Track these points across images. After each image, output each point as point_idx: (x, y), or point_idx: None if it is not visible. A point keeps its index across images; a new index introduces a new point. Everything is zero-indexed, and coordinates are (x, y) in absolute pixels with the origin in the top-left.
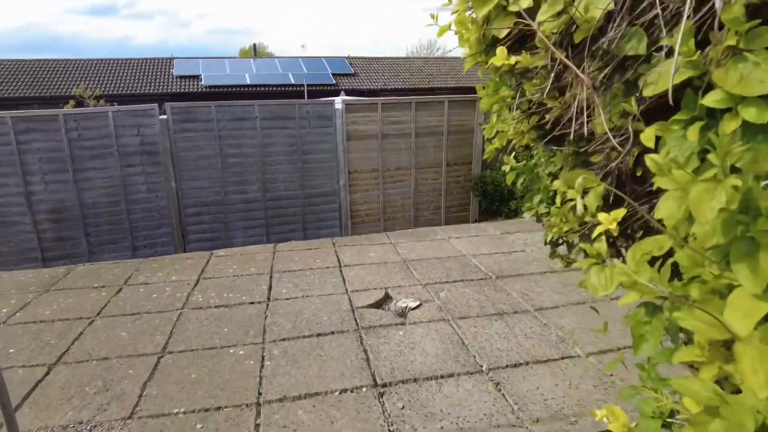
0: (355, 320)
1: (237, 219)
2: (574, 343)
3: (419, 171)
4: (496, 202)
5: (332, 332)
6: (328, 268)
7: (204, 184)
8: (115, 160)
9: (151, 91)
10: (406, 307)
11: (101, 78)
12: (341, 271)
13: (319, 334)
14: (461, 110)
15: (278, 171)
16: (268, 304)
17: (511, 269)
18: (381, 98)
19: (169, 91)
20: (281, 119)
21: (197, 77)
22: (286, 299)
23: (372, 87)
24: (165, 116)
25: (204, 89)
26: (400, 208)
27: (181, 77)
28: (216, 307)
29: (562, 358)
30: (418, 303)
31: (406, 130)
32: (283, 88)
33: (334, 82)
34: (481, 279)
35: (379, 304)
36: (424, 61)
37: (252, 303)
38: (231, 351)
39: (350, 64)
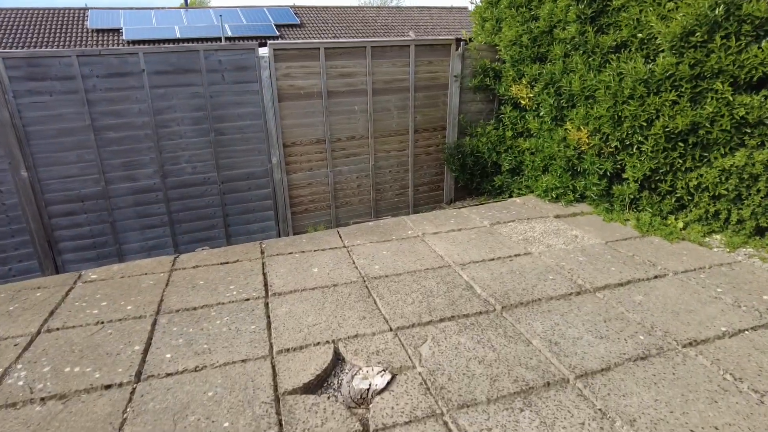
0: (279, 425)
1: (128, 217)
2: None
3: (380, 140)
4: (476, 177)
5: None
6: (247, 300)
7: (73, 170)
8: None
9: (59, 49)
10: (368, 388)
11: None
12: (267, 307)
13: None
14: (432, 58)
15: (182, 147)
16: (134, 389)
17: (521, 290)
18: (325, 41)
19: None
20: (181, 73)
21: (117, 31)
22: (168, 375)
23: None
24: None
25: (125, 45)
26: (356, 190)
27: (97, 31)
28: (43, 400)
29: None
30: (388, 376)
31: (359, 86)
32: (219, 43)
33: (278, 34)
34: (480, 313)
35: (321, 381)
36: (378, 11)
37: (109, 387)
38: None
39: (296, 13)
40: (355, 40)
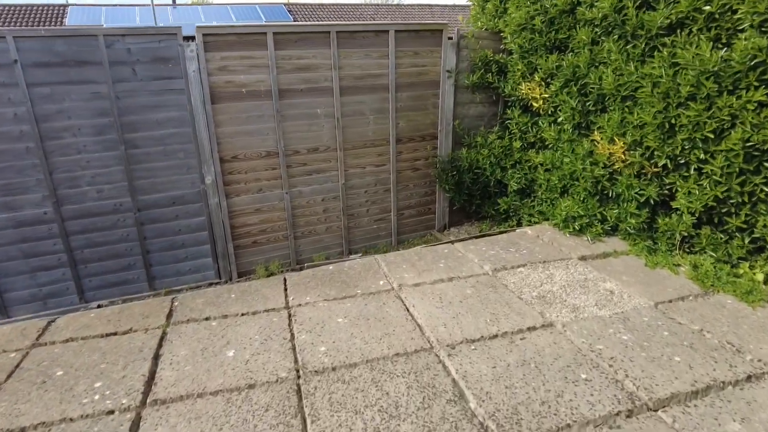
0: None
1: (11, 257)
2: None
3: (351, 153)
4: (476, 199)
5: None
6: (110, 413)
7: None
8: None
9: None
10: None
11: None
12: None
13: None
14: (418, 48)
15: (81, 164)
16: None
17: (538, 406)
18: (273, 23)
19: None
20: (73, 66)
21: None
22: None
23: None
24: None
25: None
26: (321, 216)
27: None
28: None
29: None
30: None
31: (323, 83)
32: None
33: None
34: None
35: None
36: (376, 9)
37: None
38: None
39: (289, 11)
40: (316, 23)
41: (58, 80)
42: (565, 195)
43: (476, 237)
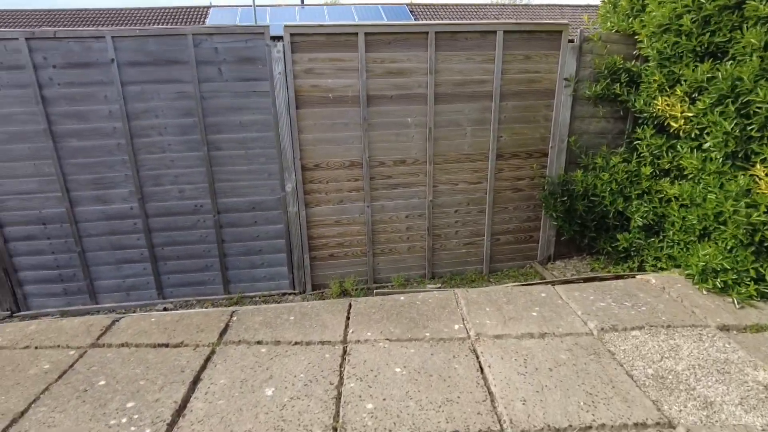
0: None
1: (101, 247)
2: None
3: (442, 167)
4: (589, 230)
5: None
6: None
7: (30, 185)
8: None
9: None
10: None
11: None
12: None
13: None
14: (530, 51)
15: (166, 163)
16: None
17: None
18: (366, 23)
19: None
20: (163, 65)
21: None
22: None
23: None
24: None
25: None
26: (404, 234)
27: None
28: None
29: None
30: None
31: (416, 89)
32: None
33: None
34: None
35: None
36: (501, 9)
37: None
38: None
39: (411, 12)
40: (414, 23)
41: (147, 79)
42: (706, 240)
43: (584, 280)
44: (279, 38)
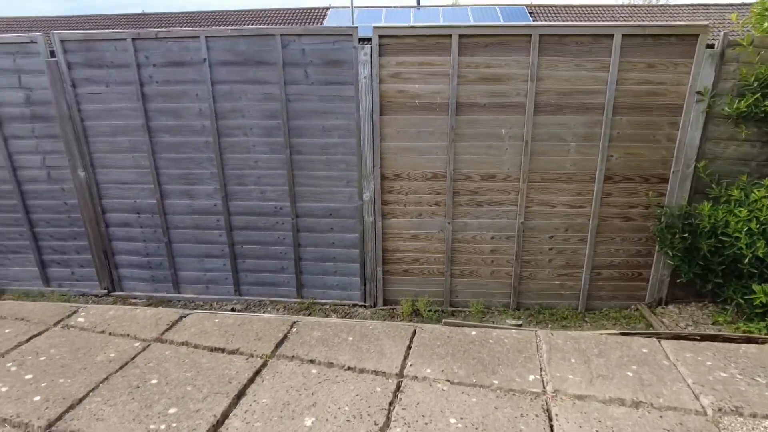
0: None
1: (186, 239)
2: None
3: (538, 186)
4: (715, 275)
5: None
6: None
7: (129, 176)
8: None
9: None
10: None
11: None
12: None
13: None
14: (655, 59)
15: (250, 164)
16: None
17: None
18: (461, 24)
19: None
20: (252, 66)
21: None
22: None
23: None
24: (56, 56)
25: None
26: (488, 256)
27: None
28: None
29: None
30: None
31: (513, 98)
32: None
33: None
34: None
35: None
36: (632, 11)
37: None
38: None
39: (530, 13)
40: (515, 24)
41: (236, 79)
42: None
43: (701, 337)
44: (368, 40)
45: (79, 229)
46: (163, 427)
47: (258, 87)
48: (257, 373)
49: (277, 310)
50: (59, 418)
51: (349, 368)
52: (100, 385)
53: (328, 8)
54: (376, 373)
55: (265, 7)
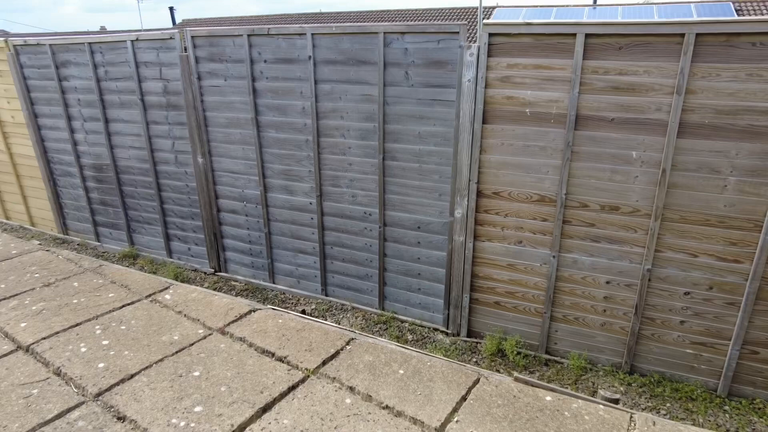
0: None
1: (283, 233)
2: None
3: (676, 226)
4: None
5: None
6: None
7: (239, 166)
8: (139, 111)
9: None
10: None
11: None
12: None
13: None
14: None
15: (344, 166)
16: None
17: None
18: (588, 21)
19: None
20: (353, 65)
21: None
22: None
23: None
24: (187, 51)
25: None
26: (600, 303)
27: None
28: None
29: None
30: None
31: (651, 113)
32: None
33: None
34: None
35: None
36: None
37: None
38: None
39: (737, 10)
40: (663, 21)
41: (338, 78)
42: None
43: None
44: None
45: (196, 210)
46: (182, 424)
47: (357, 87)
48: (293, 388)
49: (356, 317)
50: (108, 389)
51: (386, 407)
52: (153, 365)
53: (494, 7)
54: (414, 420)
55: (431, 7)
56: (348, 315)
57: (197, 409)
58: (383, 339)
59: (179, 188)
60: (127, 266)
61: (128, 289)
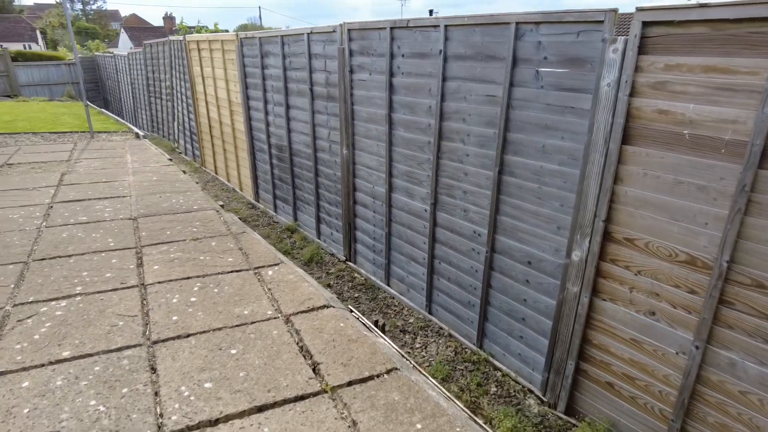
0: None
1: (400, 235)
2: None
3: None
4: None
5: None
6: None
7: (373, 162)
8: (308, 100)
9: None
10: None
11: None
12: None
13: None
14: None
15: (459, 175)
16: None
17: None
18: None
19: None
20: (480, 60)
21: None
22: None
23: None
24: (343, 44)
25: None
26: (764, 419)
27: None
28: None
29: None
30: None
31: None
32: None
33: None
34: None
35: None
36: None
37: None
38: None
39: None
40: None
41: (465, 76)
42: None
43: None
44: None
45: (339, 199)
46: (186, 393)
47: (482, 87)
48: (300, 398)
49: (448, 347)
50: (164, 341)
51: None
52: (209, 332)
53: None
54: None
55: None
56: (440, 342)
57: (207, 385)
58: (431, 381)
59: (329, 176)
60: (270, 237)
61: (246, 258)
